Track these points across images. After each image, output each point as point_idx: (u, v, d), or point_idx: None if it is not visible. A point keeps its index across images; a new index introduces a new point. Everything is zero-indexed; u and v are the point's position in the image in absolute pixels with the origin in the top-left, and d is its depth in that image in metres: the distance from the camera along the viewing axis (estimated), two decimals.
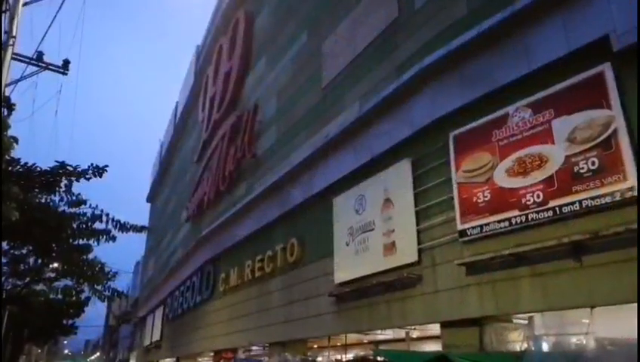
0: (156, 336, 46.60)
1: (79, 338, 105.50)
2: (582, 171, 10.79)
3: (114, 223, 15.11)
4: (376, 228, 17.35)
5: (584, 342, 10.35)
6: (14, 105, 12.04)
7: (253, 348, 26.94)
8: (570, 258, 10.83)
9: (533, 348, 11.28)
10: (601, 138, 10.62)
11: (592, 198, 10.38)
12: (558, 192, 11.09)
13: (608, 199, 10.10)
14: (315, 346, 23.30)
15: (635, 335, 9.30)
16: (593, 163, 10.63)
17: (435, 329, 15.28)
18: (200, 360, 34.95)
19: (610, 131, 10.45)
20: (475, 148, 13.47)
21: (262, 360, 23.29)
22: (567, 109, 11.41)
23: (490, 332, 13.09)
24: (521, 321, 12.78)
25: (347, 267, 18.43)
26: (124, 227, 15.25)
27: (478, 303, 12.98)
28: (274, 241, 24.91)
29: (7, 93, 9.14)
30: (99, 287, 15.66)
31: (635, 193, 9.74)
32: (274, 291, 24.02)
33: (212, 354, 30.73)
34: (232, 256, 30.05)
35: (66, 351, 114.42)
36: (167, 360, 41.64)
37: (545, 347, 11.13)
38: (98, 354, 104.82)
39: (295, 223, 23.52)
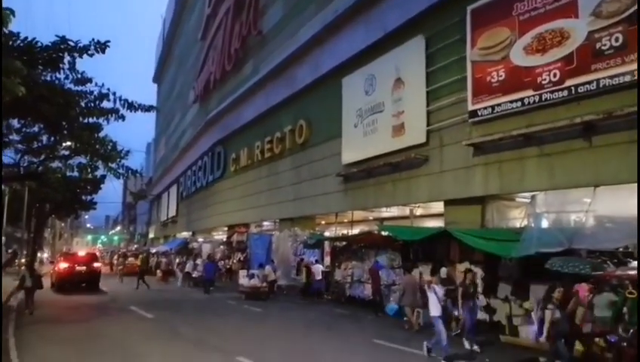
0: (172, 212, 49.22)
1: (99, 214, 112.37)
2: (604, 48, 10.25)
3: (122, 102, 14.90)
4: (385, 109, 17.15)
5: (583, 219, 10.71)
6: None
7: (265, 223, 28.49)
8: (580, 138, 10.80)
9: (532, 225, 11.73)
10: (629, 12, 9.89)
11: (611, 77, 10.01)
12: (577, 71, 10.68)
13: (628, 78, 9.74)
14: (323, 222, 24.54)
15: (634, 213, 9.61)
16: (617, 39, 10.05)
17: (438, 207, 15.86)
18: (214, 233, 37.23)
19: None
20: (494, 24, 12.71)
21: (272, 234, 24.74)
22: None
23: (492, 210, 13.59)
24: (524, 200, 13.16)
25: (355, 148, 18.63)
26: (132, 106, 15.04)
27: (483, 183, 13.29)
28: (282, 123, 24.96)
29: None
30: (113, 165, 16.03)
31: None
32: (283, 171, 24.69)
33: (226, 228, 32.62)
34: (242, 137, 30.37)
35: (88, 225, 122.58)
36: (184, 233, 44.46)
37: (544, 224, 11.58)
38: (119, 228, 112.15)
39: (303, 105, 23.32)
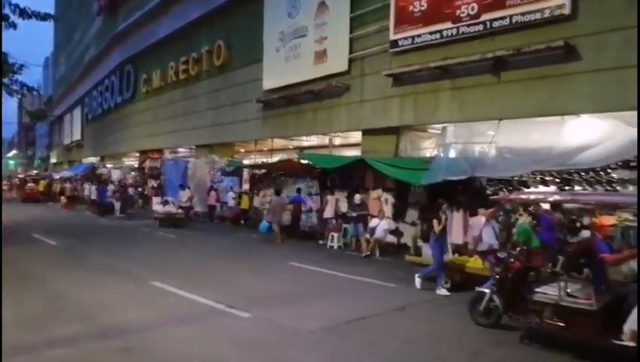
0: (77, 136, 45.69)
1: None
2: None
3: (12, 7, 12.93)
4: (308, 34, 16.66)
5: (487, 150, 11.52)
6: None
7: (180, 149, 27.48)
8: (490, 73, 11.34)
9: (442, 155, 12.45)
10: None
11: (523, 14, 10.44)
12: (493, 5, 11.00)
13: (538, 15, 10.21)
14: (242, 150, 24.13)
15: (530, 145, 10.50)
16: None
17: (356, 136, 16.19)
18: (125, 159, 35.34)
19: None
20: None
21: (189, 161, 24.00)
22: None
23: (405, 140, 14.14)
24: (435, 131, 13.82)
25: (276, 74, 18.11)
26: (24, 12, 13.11)
27: (399, 113, 13.68)
28: (199, 43, 23.42)
29: None
30: (5, 80, 14.15)
31: (565, 11, 9.87)
32: (200, 95, 23.55)
33: (138, 154, 31.07)
34: (154, 56, 28.20)
35: None
36: (91, 158, 41.68)
37: (452, 154, 12.32)
38: (14, 151, 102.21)
39: (222, 24, 21.90)
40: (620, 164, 9.91)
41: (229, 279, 9.35)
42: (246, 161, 21.46)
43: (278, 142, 21.09)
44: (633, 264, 6.33)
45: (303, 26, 16.70)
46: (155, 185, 26.23)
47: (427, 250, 10.05)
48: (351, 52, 15.02)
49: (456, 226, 11.64)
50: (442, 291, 8.46)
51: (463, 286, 8.35)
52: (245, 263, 11.22)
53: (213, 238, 15.50)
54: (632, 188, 9.94)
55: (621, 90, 9.26)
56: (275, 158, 20.67)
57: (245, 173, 19.58)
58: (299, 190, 16.01)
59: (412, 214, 13.05)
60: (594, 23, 9.67)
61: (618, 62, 9.32)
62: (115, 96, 34.03)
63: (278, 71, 17.86)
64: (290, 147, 21.65)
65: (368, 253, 12.45)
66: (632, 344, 4.95)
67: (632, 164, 9.85)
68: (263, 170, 19.08)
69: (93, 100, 40.11)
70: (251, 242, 14.64)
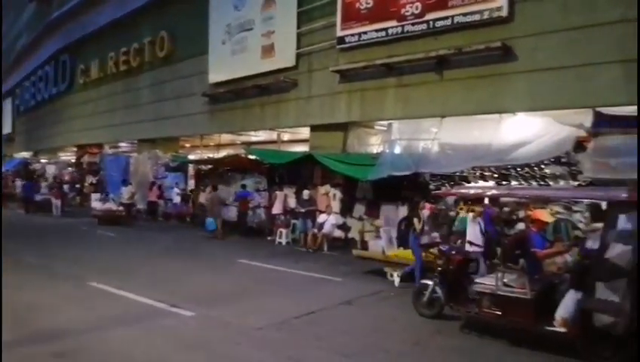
0: (7, 129, 42.64)
1: None
2: None
3: None
4: (255, 27, 16.43)
5: (430, 146, 11.86)
6: None
7: (121, 144, 26.38)
8: (434, 71, 11.66)
9: (387, 151, 12.70)
10: None
11: (464, 15, 10.81)
12: (436, 5, 11.32)
13: (477, 17, 10.61)
14: (188, 145, 23.48)
15: (470, 142, 10.91)
16: None
17: (305, 132, 16.19)
18: (62, 154, 33.44)
19: None
20: None
21: (131, 156, 23.07)
22: None
23: (353, 136, 14.29)
24: (381, 127, 14.05)
25: (223, 67, 17.74)
26: None
27: (346, 109, 13.79)
28: (141, 33, 22.48)
29: None
30: None
31: (503, 13, 10.31)
32: (143, 87, 22.64)
33: (75, 148, 29.51)
34: (92, 45, 26.83)
35: None
36: (23, 153, 39.11)
37: (397, 150, 12.59)
38: None
39: (166, 14, 21.12)
40: (552, 160, 10.51)
41: (173, 278, 9.07)
42: (191, 156, 20.92)
43: (226, 137, 20.72)
44: (566, 256, 6.74)
45: (250, 20, 16.47)
46: (94, 181, 25.01)
47: (374, 245, 10.26)
48: (298, 47, 14.97)
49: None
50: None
51: (409, 279, 8.56)
52: (190, 261, 10.92)
53: (157, 236, 15.00)
54: (562, 183, 10.58)
55: (554, 90, 9.82)
56: (222, 154, 20.30)
57: (191, 169, 19.08)
58: (244, 186, 15.77)
59: (359, 209, 13.24)
60: (529, 25, 10.16)
61: (552, 63, 9.85)
62: (49, 87, 32.11)
63: (225, 64, 17.52)
64: (238, 142, 21.34)
65: (316, 248, 12.50)
66: (562, 330, 5.26)
67: (563, 160, 10.49)
68: (210, 166, 18.67)
69: (26, 91, 37.68)
70: (197, 239, 14.30)
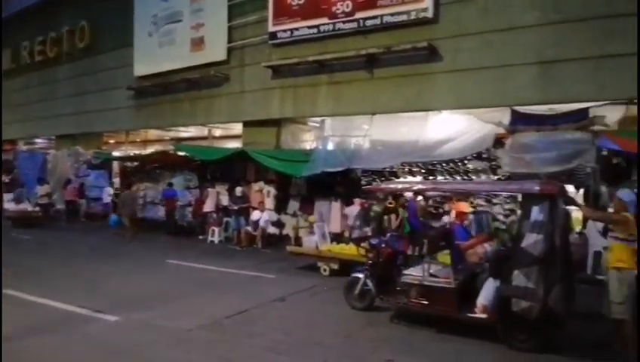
0: None
1: None
2: None
3: None
4: (184, 19, 15.86)
5: (362, 143, 12.12)
6: None
7: (37, 140, 24.52)
8: (364, 69, 11.89)
9: (320, 147, 12.81)
10: None
11: (392, 14, 11.12)
12: (366, 4, 11.54)
13: (405, 17, 10.96)
14: (112, 141, 22.30)
15: (399, 138, 11.26)
16: None
17: (237, 128, 15.92)
18: None
19: None
20: None
21: (48, 153, 21.48)
22: None
23: (287, 133, 14.25)
24: (314, 124, 14.14)
25: (149, 60, 16.96)
26: None
27: (279, 105, 13.71)
28: (59, 22, 20.97)
29: None
30: None
31: (429, 15, 10.71)
32: (61, 80, 21.14)
33: None
34: (3, 33, 24.70)
35: None
36: None
37: (330, 146, 12.74)
38: None
39: (86, 3, 19.88)
40: (474, 155, 11.14)
41: (95, 281, 8.57)
42: (116, 153, 19.87)
43: (153, 133, 19.93)
44: (487, 247, 7.15)
45: (178, 11, 15.91)
46: (7, 180, 23.04)
47: (308, 241, 10.31)
48: (230, 41, 14.68)
49: (335, 215, 12.10)
50: None
51: (342, 273, 8.69)
52: (114, 263, 10.36)
53: (78, 238, 14.11)
54: (484, 177, 11.23)
55: (475, 90, 10.37)
56: (150, 150, 19.48)
57: (115, 166, 18.14)
58: (170, 184, 15.21)
59: (293, 205, 13.25)
60: (453, 27, 10.66)
61: (473, 63, 10.39)
62: None
63: (152, 57, 16.80)
64: (167, 138, 20.59)
65: (249, 245, 12.35)
66: (483, 316, 5.57)
67: (484, 155, 11.14)
68: (136, 163, 17.85)
69: None
70: (122, 241, 13.61)
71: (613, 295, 5.13)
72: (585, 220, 8.90)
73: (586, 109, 9.07)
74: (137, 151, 20.01)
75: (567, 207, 6.00)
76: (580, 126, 8.92)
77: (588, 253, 8.55)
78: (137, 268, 9.98)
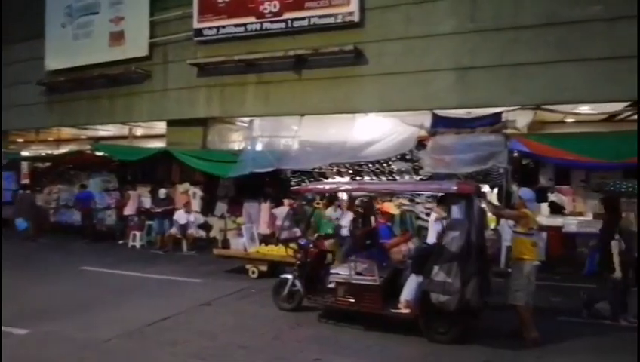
0: None
1: None
2: None
3: None
4: (102, 11, 14.98)
5: (291, 143, 12.13)
6: None
7: None
8: (293, 70, 11.91)
9: (249, 148, 12.65)
10: None
11: (320, 17, 11.26)
12: (293, 5, 11.58)
13: (332, 20, 11.12)
14: (21, 140, 20.53)
15: (327, 140, 11.40)
16: None
17: (161, 127, 15.29)
18: None
19: None
20: None
21: None
22: None
23: (214, 132, 13.89)
24: (243, 124, 13.92)
25: (63, 53, 15.79)
26: None
27: (205, 104, 13.34)
28: None
29: None
30: None
31: (355, 19, 10.94)
32: None
33: None
34: None
35: None
36: None
37: (259, 147, 12.61)
38: None
39: None
40: (398, 157, 11.54)
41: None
42: (25, 153, 18.33)
43: (68, 132, 18.61)
44: (410, 245, 7.41)
45: (95, 2, 15.02)
46: None
47: (236, 243, 10.12)
48: (152, 37, 14.07)
49: (264, 217, 11.98)
50: None
51: (271, 275, 8.62)
52: (21, 271, 9.49)
53: None
54: (407, 178, 11.67)
55: (399, 93, 10.75)
56: (64, 150, 18.19)
57: (25, 167, 16.71)
58: (84, 186, 14.27)
59: (221, 207, 12.94)
60: (377, 31, 10.98)
61: (396, 68, 10.77)
62: None
63: (66, 50, 15.68)
64: (83, 137, 19.34)
65: (173, 249, 11.91)
66: (406, 311, 5.76)
67: (407, 157, 11.57)
68: (48, 163, 16.57)
69: None
70: (31, 246, 12.58)
71: (513, 283, 5.66)
72: (498, 217, 9.52)
73: (500, 113, 9.72)
74: (50, 151, 18.62)
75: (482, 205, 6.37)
76: (495, 129, 9.52)
77: (501, 247, 9.15)
78: (49, 277, 9.22)
